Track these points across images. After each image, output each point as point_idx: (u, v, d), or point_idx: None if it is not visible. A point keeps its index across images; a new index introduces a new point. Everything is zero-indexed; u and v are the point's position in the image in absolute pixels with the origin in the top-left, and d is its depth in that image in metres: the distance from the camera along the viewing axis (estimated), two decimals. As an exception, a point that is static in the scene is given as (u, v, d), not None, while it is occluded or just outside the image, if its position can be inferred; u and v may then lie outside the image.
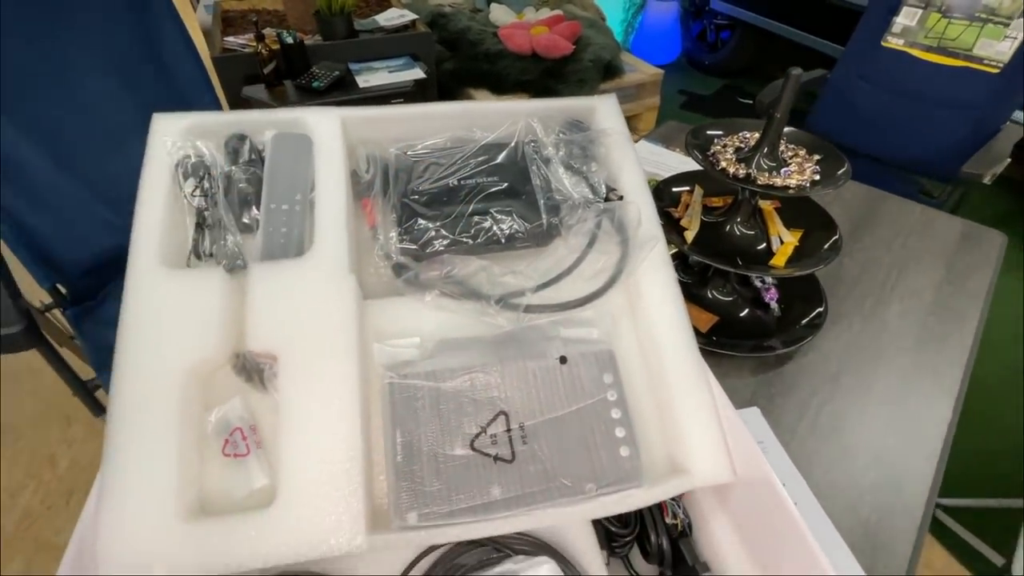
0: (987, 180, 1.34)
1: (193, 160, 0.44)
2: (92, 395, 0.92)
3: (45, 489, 1.24)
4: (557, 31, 1.96)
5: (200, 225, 0.44)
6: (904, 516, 0.52)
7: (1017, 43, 1.31)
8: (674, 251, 0.80)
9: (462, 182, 0.48)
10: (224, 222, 0.43)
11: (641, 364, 0.45)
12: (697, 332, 0.67)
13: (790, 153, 0.62)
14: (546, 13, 2.12)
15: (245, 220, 0.45)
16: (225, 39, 1.69)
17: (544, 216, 0.47)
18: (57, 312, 1.00)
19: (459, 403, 0.40)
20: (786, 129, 0.64)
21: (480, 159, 0.49)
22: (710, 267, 0.73)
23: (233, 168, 0.45)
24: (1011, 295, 1.71)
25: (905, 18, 1.46)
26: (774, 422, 0.60)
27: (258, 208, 0.45)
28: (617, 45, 2.12)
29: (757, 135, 0.62)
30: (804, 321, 0.69)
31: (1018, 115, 1.38)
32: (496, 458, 0.38)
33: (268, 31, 1.67)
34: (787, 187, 0.58)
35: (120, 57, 0.98)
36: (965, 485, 1.22)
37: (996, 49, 1.34)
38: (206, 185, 0.44)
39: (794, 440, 0.59)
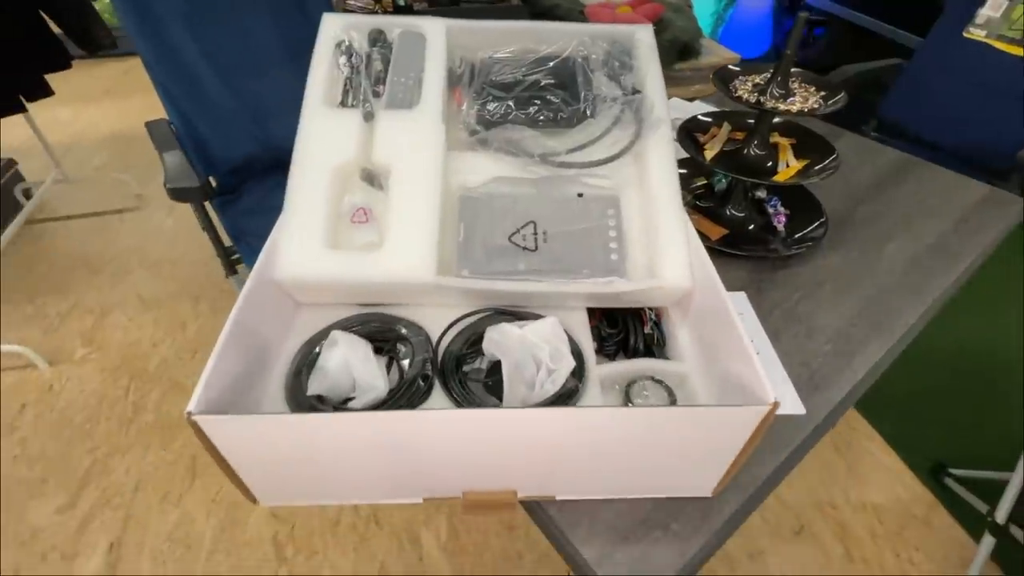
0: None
1: (347, 43, 0.65)
2: (228, 258, 1.19)
3: (178, 345, 1.56)
4: (640, 11, 2.08)
5: (346, 87, 0.65)
6: (847, 375, 0.65)
7: (1104, 37, 1.30)
8: (702, 182, 0.95)
9: (525, 77, 0.66)
10: (363, 86, 0.64)
11: (638, 212, 0.61)
12: (706, 239, 0.82)
13: (801, 89, 0.75)
14: (633, -5, 2.24)
15: (376, 89, 0.65)
16: (348, 1, 1.97)
17: (582, 104, 0.64)
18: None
19: (504, 213, 0.58)
20: (800, 71, 0.76)
21: (541, 63, 0.67)
22: (729, 191, 0.87)
23: (372, 50, 0.65)
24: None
25: (990, 9, 1.47)
26: (756, 306, 0.73)
27: (385, 82, 0.65)
28: (698, 29, 2.20)
29: (775, 73, 0.75)
30: (802, 233, 0.81)
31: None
32: (524, 248, 0.56)
33: (385, -4, 1.93)
34: (789, 111, 0.71)
35: (275, 1, 1.25)
36: (982, 459, 1.26)
37: (1082, 43, 1.33)
38: (353, 60, 0.65)
39: (770, 318, 0.72)
